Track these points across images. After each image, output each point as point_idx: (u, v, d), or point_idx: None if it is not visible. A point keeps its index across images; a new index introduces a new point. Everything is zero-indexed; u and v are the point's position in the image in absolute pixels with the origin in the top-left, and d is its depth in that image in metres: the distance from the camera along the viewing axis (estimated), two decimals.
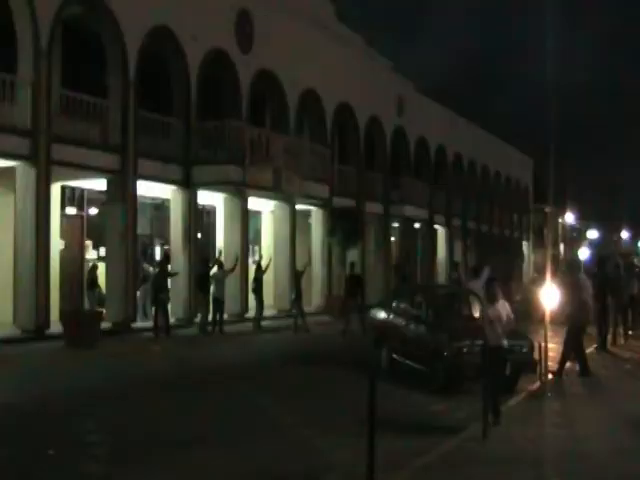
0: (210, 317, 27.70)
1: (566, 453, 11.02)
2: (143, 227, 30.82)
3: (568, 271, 21.16)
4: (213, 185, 31.43)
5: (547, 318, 16.94)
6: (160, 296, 26.39)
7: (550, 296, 17.04)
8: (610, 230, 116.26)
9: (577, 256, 76.69)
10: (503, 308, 12.89)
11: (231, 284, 30.24)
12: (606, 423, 13.11)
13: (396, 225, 48.54)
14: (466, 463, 10.51)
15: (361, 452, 8.49)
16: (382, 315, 20.26)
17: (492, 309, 12.82)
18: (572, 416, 13.75)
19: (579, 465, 10.47)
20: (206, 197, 32.49)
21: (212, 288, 27.98)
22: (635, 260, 58.45)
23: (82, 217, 29.47)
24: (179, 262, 29.88)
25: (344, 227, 36.69)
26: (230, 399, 15.16)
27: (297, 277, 30.31)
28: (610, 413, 13.92)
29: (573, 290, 18.43)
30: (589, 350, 20.22)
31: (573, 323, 18.14)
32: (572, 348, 18.00)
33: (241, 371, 19.03)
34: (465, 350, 15.71)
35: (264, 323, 29.86)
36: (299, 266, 32.55)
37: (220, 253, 30.69)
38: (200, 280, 28.32)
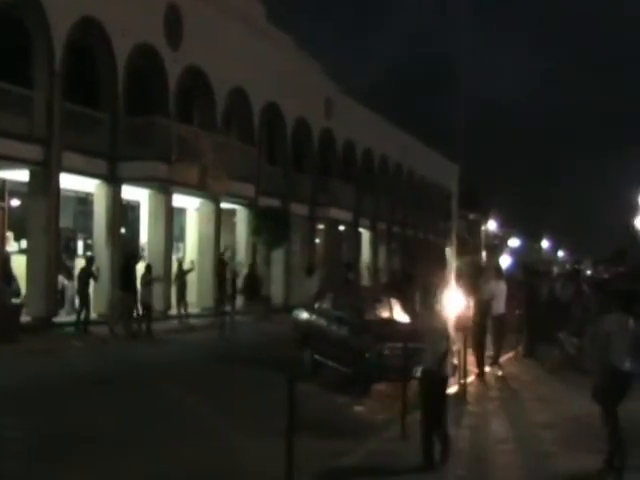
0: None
1: (475, 453, 11.31)
2: (66, 221, 30.33)
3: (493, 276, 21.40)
4: (139, 181, 31.16)
5: (466, 323, 17.17)
6: (84, 291, 26.12)
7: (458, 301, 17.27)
8: (531, 239, 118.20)
9: (499, 263, 77.56)
10: (438, 320, 11.03)
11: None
12: (518, 426, 13.29)
13: (321, 227, 48.64)
14: (386, 463, 10.61)
15: (281, 454, 8.46)
16: (305, 316, 20.23)
17: (429, 318, 11.20)
18: (488, 419, 13.90)
19: (483, 464, 10.90)
20: (131, 192, 32.14)
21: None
22: (555, 268, 59.31)
23: (3, 209, 28.87)
24: (102, 257, 29.53)
25: (270, 227, 36.63)
26: (152, 398, 15.00)
27: (222, 276, 30.04)
28: (523, 416, 14.11)
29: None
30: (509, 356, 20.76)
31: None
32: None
33: (164, 370, 18.83)
34: (387, 352, 15.68)
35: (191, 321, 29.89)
36: (238, 267, 32.52)
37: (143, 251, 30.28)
38: (124, 277, 27.58)
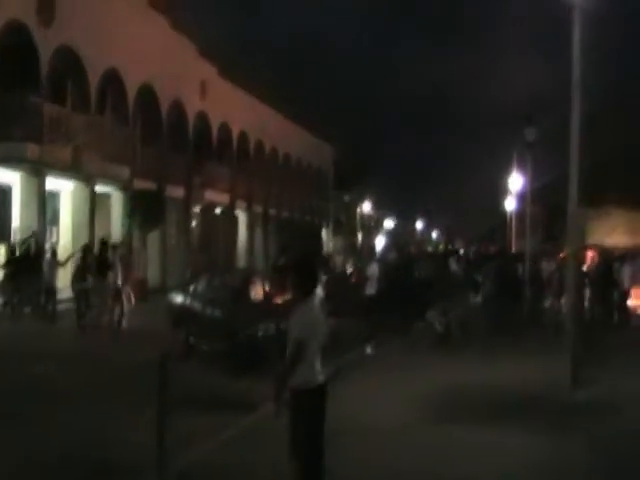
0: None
1: (351, 429, 11.43)
2: None
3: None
4: (8, 162, 30.43)
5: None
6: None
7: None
8: (406, 220, 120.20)
9: (373, 244, 79.05)
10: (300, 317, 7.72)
11: None
12: (394, 401, 13.60)
13: (197, 210, 48.46)
14: (260, 438, 10.78)
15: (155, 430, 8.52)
16: (180, 298, 20.24)
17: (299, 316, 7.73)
18: (365, 395, 14.13)
19: (360, 437, 11.16)
20: (2, 175, 31.38)
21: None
22: (429, 248, 60.45)
23: None
24: None
25: (144, 210, 36.29)
26: (26, 380, 14.79)
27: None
28: (398, 391, 14.41)
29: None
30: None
31: None
32: None
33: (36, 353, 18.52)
34: (260, 333, 15.79)
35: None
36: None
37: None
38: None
